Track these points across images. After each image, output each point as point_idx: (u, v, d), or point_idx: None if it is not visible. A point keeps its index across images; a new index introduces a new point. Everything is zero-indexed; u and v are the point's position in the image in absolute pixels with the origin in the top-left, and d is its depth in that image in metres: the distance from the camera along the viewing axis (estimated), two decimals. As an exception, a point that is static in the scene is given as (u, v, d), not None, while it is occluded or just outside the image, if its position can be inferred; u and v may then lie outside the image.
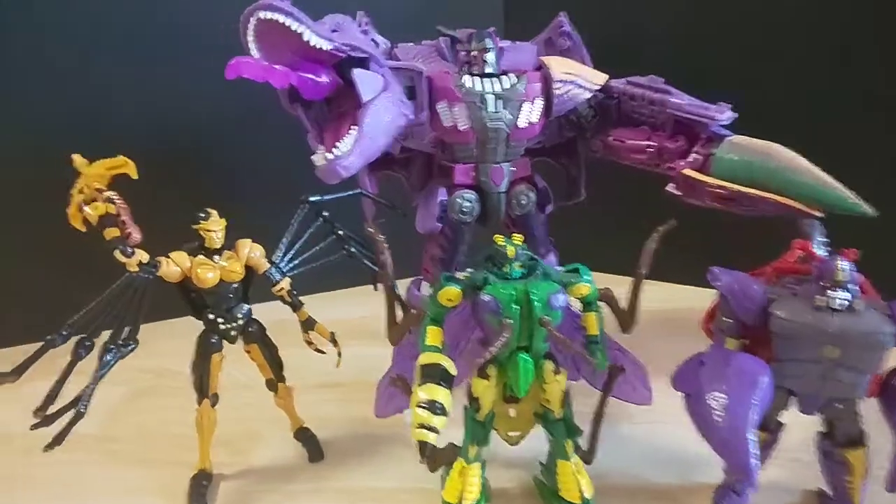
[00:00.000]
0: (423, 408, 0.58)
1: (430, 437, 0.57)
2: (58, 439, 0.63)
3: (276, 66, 0.59)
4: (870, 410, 0.64)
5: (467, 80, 0.76)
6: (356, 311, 0.99)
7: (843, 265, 0.59)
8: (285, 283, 0.75)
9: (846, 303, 0.59)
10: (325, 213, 0.78)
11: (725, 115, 0.73)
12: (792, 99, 1.12)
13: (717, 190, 0.70)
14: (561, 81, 0.77)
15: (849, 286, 0.59)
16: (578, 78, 0.78)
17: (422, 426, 0.57)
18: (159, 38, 1.14)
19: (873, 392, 0.63)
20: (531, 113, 0.78)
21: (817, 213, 0.67)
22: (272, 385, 0.80)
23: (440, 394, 0.58)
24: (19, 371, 0.59)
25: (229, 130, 1.21)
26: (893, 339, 0.59)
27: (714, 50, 1.18)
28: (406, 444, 0.85)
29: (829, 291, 0.59)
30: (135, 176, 0.69)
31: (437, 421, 0.57)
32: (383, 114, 0.64)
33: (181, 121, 1.17)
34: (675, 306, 1.12)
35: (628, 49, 0.99)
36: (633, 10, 1.25)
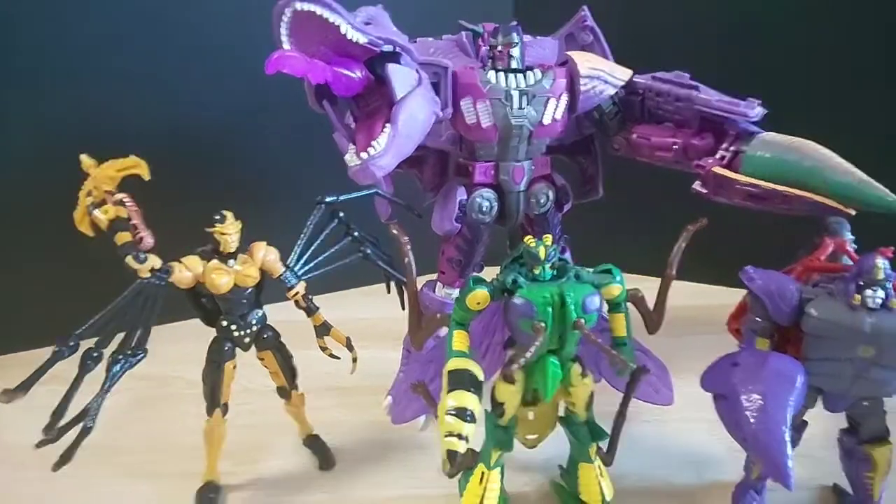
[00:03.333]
0: (453, 415, 0.55)
1: (461, 447, 0.55)
2: (66, 457, 0.60)
3: (316, 61, 0.56)
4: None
5: (492, 76, 0.74)
6: (357, 312, 0.97)
7: (883, 263, 0.58)
8: (300, 288, 0.73)
9: (880, 300, 0.58)
10: (341, 214, 0.76)
11: (756, 111, 0.72)
12: (817, 96, 1.11)
13: (749, 188, 0.69)
14: (587, 77, 0.75)
15: (885, 284, 0.58)
16: (603, 73, 0.76)
17: (451, 434, 0.55)
18: (170, 34, 1.10)
19: None
20: (556, 110, 0.76)
21: (850, 212, 0.66)
22: (284, 393, 0.78)
23: (469, 400, 0.56)
24: (26, 386, 0.57)
25: (242, 130, 1.18)
26: None
27: (738, 44, 1.16)
28: (420, 448, 0.84)
29: (866, 290, 0.58)
30: (147, 177, 0.66)
31: (466, 429, 0.55)
32: (418, 111, 0.62)
33: (193, 120, 1.14)
34: (683, 303, 1.12)
35: (646, 44, 0.98)
36: (648, 4, 1.23)
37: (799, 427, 0.66)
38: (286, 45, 0.56)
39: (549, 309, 0.57)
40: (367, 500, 0.75)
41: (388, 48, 0.62)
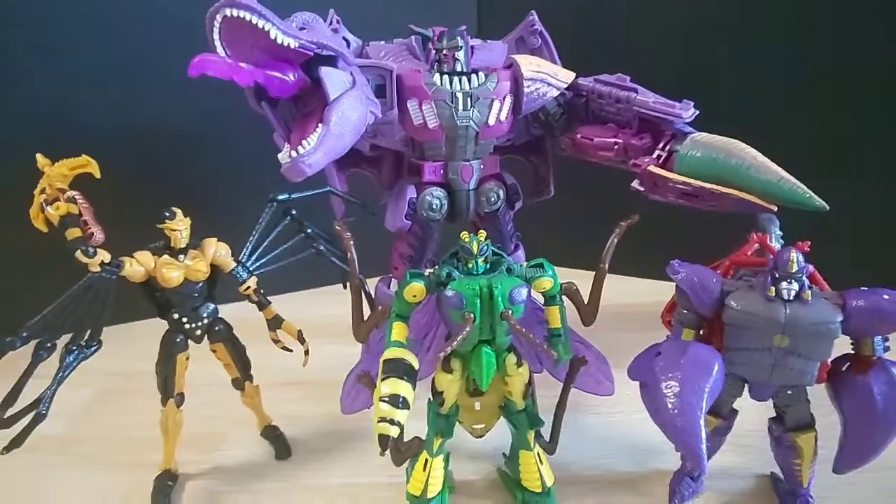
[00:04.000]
0: (386, 402, 0.58)
1: (392, 431, 0.57)
2: (17, 441, 0.62)
3: (242, 64, 0.59)
4: (815, 395, 0.66)
5: (437, 79, 0.76)
6: (325, 310, 0.98)
7: (796, 257, 0.61)
8: (252, 282, 0.75)
9: (794, 292, 0.61)
10: (294, 212, 0.78)
11: (689, 112, 0.74)
12: (747, 98, 1.15)
13: (681, 186, 0.71)
14: (530, 79, 0.78)
15: (800, 277, 0.61)
16: (547, 76, 0.79)
17: (383, 420, 0.57)
18: (123, 34, 1.12)
19: (822, 378, 0.65)
20: (500, 111, 0.79)
21: (773, 208, 0.68)
22: (239, 384, 0.80)
23: (403, 388, 0.58)
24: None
25: (196, 129, 1.20)
26: (841, 328, 0.61)
27: (679, 49, 1.19)
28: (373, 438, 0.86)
29: (781, 283, 0.61)
30: (98, 175, 0.68)
31: (399, 415, 0.57)
32: (350, 112, 0.65)
33: (146, 119, 1.15)
34: (636, 299, 1.14)
35: (598, 48, 1.01)
36: (604, 10, 1.26)
37: (729, 416, 0.69)
38: (220, 50, 0.58)
39: (478, 300, 0.60)
40: (321, 487, 0.78)
41: (324, 52, 0.64)
